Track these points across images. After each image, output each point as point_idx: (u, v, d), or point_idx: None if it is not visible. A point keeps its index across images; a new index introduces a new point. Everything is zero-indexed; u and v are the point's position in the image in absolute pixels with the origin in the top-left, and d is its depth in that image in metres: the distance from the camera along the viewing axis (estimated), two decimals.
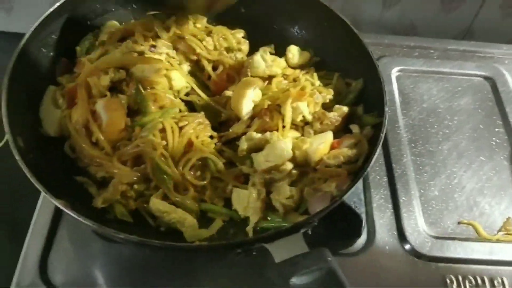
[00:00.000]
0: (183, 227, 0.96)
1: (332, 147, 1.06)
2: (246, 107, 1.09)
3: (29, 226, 1.09)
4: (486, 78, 1.52)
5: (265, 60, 1.19)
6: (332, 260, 0.80)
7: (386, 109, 1.03)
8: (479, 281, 1.09)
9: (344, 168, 1.00)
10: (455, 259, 1.11)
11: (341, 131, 1.12)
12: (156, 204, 0.96)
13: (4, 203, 1.30)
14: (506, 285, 1.09)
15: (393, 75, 1.50)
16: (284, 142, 1.04)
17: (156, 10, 1.25)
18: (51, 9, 1.11)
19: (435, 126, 1.38)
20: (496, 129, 1.39)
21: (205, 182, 1.03)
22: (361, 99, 1.16)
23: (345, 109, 1.12)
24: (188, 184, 1.01)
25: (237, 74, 1.21)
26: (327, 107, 1.15)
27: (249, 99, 1.09)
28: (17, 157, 0.87)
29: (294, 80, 1.21)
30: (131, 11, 1.28)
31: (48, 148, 1.04)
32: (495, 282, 1.09)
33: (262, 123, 1.09)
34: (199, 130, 1.06)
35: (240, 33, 1.30)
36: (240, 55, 1.26)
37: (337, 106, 1.13)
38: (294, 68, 1.25)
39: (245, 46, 1.29)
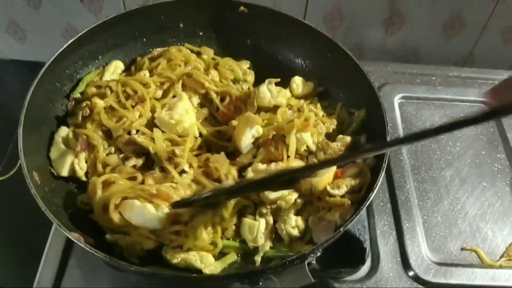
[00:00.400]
0: (200, 264, 0.96)
1: (336, 177, 1.08)
2: (245, 143, 1.12)
3: (43, 252, 1.12)
4: (487, 104, 1.53)
5: (270, 91, 1.21)
6: None
7: (388, 139, 1.05)
8: None
9: (347, 197, 1.03)
10: (458, 286, 1.13)
11: None
12: (170, 256, 0.96)
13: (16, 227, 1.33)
14: None
15: (396, 102, 1.52)
16: None
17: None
18: (67, 43, 1.14)
19: (438, 153, 1.40)
20: (498, 155, 1.41)
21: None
22: (364, 128, 1.19)
23: (348, 138, 1.15)
24: None
25: (243, 104, 1.24)
26: (330, 136, 1.18)
27: (248, 136, 1.12)
28: (33, 191, 0.89)
29: (299, 110, 1.24)
30: (141, 45, 1.33)
31: (62, 181, 1.07)
32: None
33: (267, 153, 1.12)
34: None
35: (246, 64, 1.35)
36: (246, 86, 1.29)
37: (340, 136, 1.16)
38: (298, 98, 1.28)
39: (251, 77, 1.32)
